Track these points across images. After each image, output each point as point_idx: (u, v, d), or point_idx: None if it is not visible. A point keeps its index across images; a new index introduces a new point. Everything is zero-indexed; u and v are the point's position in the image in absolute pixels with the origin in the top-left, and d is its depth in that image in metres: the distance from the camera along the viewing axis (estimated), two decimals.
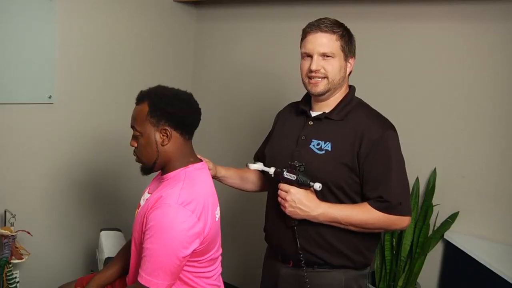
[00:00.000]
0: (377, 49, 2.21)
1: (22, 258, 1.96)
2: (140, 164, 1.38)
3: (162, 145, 1.32)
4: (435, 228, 2.07)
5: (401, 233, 2.10)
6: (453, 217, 2.05)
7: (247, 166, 1.57)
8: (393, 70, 2.20)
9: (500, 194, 1.97)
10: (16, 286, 1.99)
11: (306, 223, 1.41)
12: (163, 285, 1.23)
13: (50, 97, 2.13)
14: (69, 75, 2.20)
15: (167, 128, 1.31)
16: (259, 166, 1.54)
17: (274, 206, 1.48)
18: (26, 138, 2.09)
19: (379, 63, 2.22)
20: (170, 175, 1.35)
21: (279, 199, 1.41)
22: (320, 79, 1.41)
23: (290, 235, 1.45)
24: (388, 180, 1.38)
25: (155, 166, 1.35)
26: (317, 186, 1.35)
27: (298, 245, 1.42)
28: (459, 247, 1.96)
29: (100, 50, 2.32)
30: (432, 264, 2.11)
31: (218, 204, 1.42)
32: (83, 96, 2.28)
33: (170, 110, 1.31)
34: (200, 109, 1.39)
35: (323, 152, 1.42)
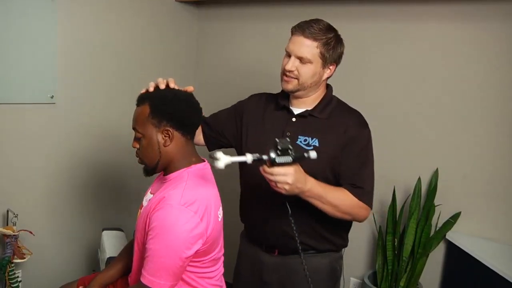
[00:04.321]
0: (379, 49, 2.21)
1: (24, 258, 1.96)
2: (143, 165, 1.38)
3: (164, 146, 1.32)
4: (437, 228, 2.07)
5: (403, 233, 2.10)
6: (455, 217, 2.05)
7: (213, 157, 1.21)
8: (395, 70, 2.20)
9: (502, 195, 1.97)
10: (18, 286, 1.99)
11: (297, 214, 1.39)
12: (165, 285, 1.23)
13: (52, 97, 2.13)
14: (71, 75, 2.20)
15: (169, 128, 1.31)
16: (229, 159, 1.21)
17: (255, 198, 1.52)
18: (28, 138, 2.09)
19: (381, 64, 2.22)
20: (172, 175, 1.34)
21: (275, 184, 1.29)
22: (292, 79, 1.48)
23: (276, 224, 1.50)
24: (362, 173, 1.49)
25: (157, 167, 1.35)
26: (313, 154, 1.28)
27: (296, 234, 1.39)
28: (461, 247, 1.97)
29: (102, 50, 2.31)
30: (434, 264, 2.11)
31: (221, 204, 1.42)
32: (85, 96, 2.28)
33: (171, 111, 1.31)
34: (201, 108, 1.39)
35: (311, 148, 1.47)
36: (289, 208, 1.36)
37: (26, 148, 2.09)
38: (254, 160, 1.26)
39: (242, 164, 1.54)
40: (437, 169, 2.09)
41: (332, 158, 1.47)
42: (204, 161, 1.42)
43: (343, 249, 1.65)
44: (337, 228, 1.55)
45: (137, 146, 1.35)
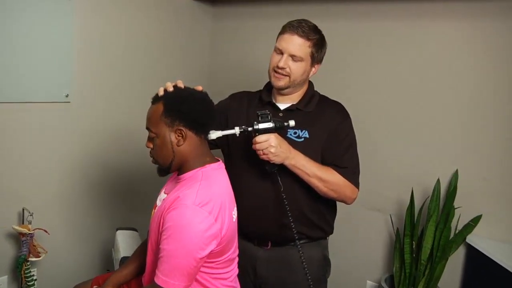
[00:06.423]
0: (398, 50, 2.18)
1: (39, 256, 1.98)
2: (157, 165, 1.37)
3: (178, 146, 1.30)
4: (457, 231, 2.02)
5: (421, 235, 2.05)
6: (475, 220, 2.00)
7: (207, 138, 1.38)
8: (414, 72, 2.16)
9: None
10: (33, 284, 2.01)
11: (287, 201, 1.47)
12: (180, 286, 1.22)
13: (67, 95, 2.14)
14: (86, 74, 2.21)
15: (181, 128, 1.29)
16: (220, 132, 1.41)
17: (245, 194, 1.53)
18: (43, 137, 2.11)
19: (399, 65, 2.19)
20: (186, 175, 1.33)
21: (260, 151, 1.42)
22: (283, 76, 1.53)
23: (269, 215, 1.54)
24: (346, 156, 1.56)
25: (171, 167, 1.34)
26: (292, 122, 1.44)
27: (291, 219, 1.47)
28: (482, 251, 1.92)
29: (117, 49, 2.32)
30: (453, 268, 2.07)
31: (235, 205, 1.40)
32: (100, 94, 2.29)
33: (184, 110, 1.29)
34: (215, 108, 1.38)
35: (302, 139, 1.54)
36: (280, 184, 1.45)
37: (41, 147, 2.11)
38: (241, 132, 1.43)
39: (228, 161, 1.62)
40: (456, 170, 2.04)
41: (322, 148, 1.55)
42: (218, 160, 1.40)
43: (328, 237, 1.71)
44: (324, 214, 1.62)
45: (151, 146, 1.34)
